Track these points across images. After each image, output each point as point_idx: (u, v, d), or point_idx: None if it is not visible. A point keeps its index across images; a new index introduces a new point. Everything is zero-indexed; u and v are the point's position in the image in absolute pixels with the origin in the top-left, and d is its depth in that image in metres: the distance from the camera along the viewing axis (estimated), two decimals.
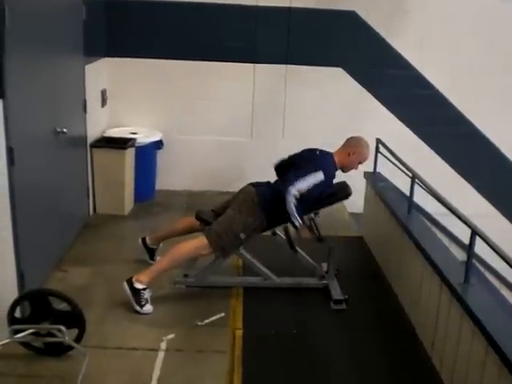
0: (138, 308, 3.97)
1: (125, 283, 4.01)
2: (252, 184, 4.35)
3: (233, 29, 6.13)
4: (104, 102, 6.02)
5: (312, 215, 4.37)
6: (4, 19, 3.34)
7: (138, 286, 3.99)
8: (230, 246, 4.15)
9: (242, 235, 4.11)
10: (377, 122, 6.21)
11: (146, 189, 6.14)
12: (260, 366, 3.57)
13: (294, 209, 3.97)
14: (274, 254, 4.51)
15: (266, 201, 4.18)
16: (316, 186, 4.06)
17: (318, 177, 4.07)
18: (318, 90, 6.27)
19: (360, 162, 4.38)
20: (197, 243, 4.15)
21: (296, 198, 3.98)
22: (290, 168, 4.26)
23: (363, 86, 6.31)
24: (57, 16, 4.44)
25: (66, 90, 4.75)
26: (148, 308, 4.00)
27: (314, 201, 4.16)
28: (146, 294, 4.01)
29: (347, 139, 4.42)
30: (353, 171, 4.45)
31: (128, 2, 5.99)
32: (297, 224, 4.02)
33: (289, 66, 6.22)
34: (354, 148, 4.34)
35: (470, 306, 3.18)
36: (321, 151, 4.37)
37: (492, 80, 6.28)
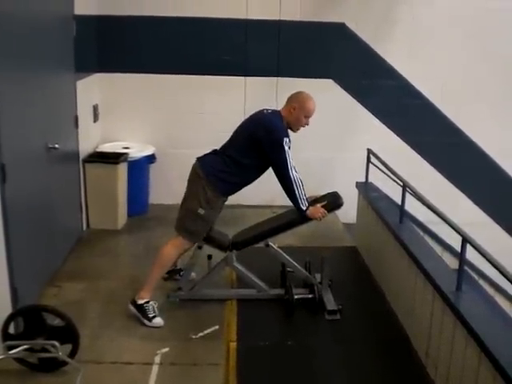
0: (147, 322, 4.00)
1: (130, 305, 4.07)
2: (198, 158, 4.28)
3: (223, 42, 6.15)
4: (96, 117, 6.04)
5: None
6: None
7: (141, 301, 4.04)
8: (194, 226, 4.11)
9: (201, 211, 4.06)
10: (369, 132, 6.24)
11: (140, 203, 6.15)
12: (255, 377, 3.56)
13: (301, 192, 4.06)
14: (266, 265, 4.52)
15: (213, 170, 4.13)
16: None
17: (287, 144, 4.06)
18: None
19: (306, 117, 4.20)
20: (175, 241, 4.18)
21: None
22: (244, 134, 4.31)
23: (354, 97, 6.34)
24: (47, 33, 4.47)
25: (57, 106, 4.76)
26: (158, 321, 4.02)
27: None
28: (151, 305, 4.05)
29: (289, 96, 4.29)
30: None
31: (118, 18, 6.01)
32: (303, 208, 4.09)
33: (280, 78, 6.25)
34: (294, 103, 4.19)
35: (462, 314, 3.19)
36: (267, 110, 4.31)
37: (482, 88, 6.33)
